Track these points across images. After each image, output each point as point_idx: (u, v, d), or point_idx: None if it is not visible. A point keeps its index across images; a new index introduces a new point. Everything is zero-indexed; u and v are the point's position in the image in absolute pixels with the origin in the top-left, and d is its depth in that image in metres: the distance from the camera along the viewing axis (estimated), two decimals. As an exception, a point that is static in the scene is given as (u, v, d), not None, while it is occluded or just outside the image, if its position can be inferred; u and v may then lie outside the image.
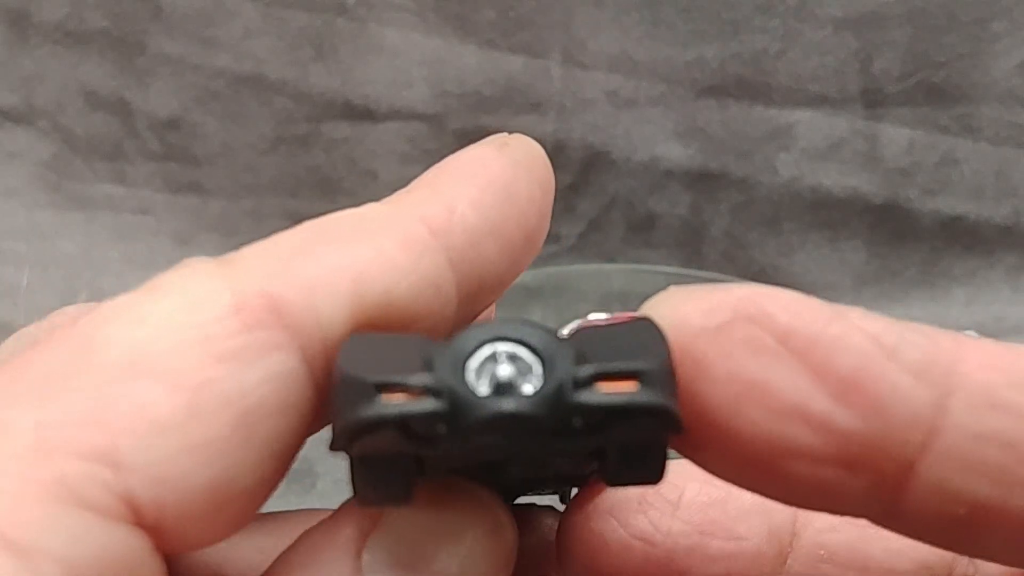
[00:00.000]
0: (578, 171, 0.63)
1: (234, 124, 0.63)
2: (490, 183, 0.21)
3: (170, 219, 0.64)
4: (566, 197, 0.63)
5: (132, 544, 0.17)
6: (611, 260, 0.62)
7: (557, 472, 0.22)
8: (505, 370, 0.18)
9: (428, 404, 0.17)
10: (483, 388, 0.18)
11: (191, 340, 0.18)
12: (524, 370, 0.18)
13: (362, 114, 0.62)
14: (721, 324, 0.18)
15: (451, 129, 0.62)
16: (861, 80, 0.62)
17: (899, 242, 0.64)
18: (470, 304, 0.21)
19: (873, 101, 0.62)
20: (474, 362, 0.18)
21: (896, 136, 0.62)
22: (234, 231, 0.64)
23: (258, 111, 0.63)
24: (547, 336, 0.18)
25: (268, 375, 0.18)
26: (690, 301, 0.18)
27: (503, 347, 0.18)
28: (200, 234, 0.64)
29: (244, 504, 0.18)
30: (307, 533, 0.20)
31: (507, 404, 0.17)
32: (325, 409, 0.19)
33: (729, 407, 0.18)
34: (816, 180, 0.63)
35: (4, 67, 0.64)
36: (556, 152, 0.62)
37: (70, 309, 0.24)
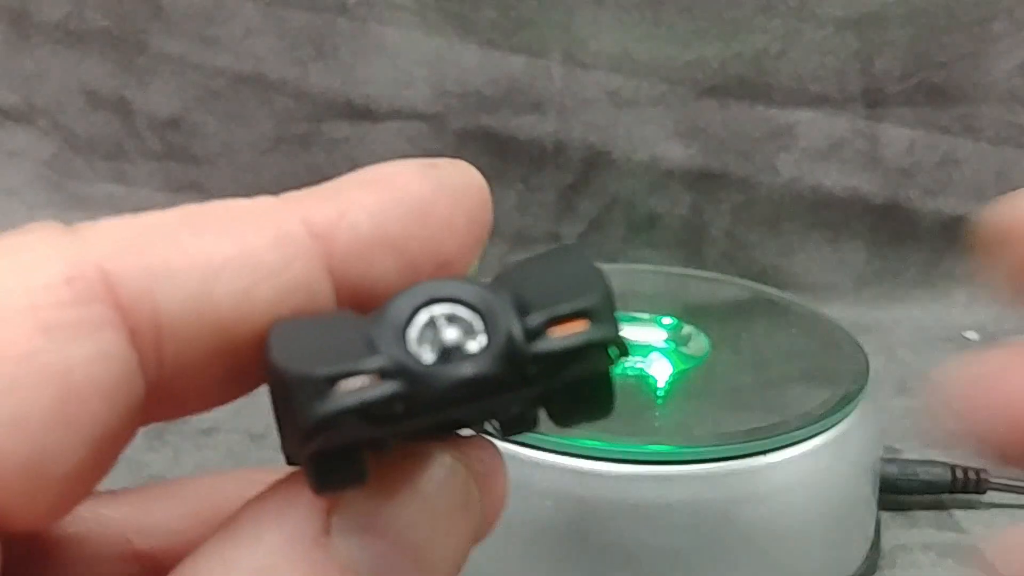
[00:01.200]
0: (579, 171, 0.63)
1: (234, 124, 0.63)
2: (397, 197, 0.20)
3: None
4: (566, 197, 0.63)
5: None
6: (612, 260, 0.62)
7: (497, 415, 0.21)
8: (451, 334, 0.18)
9: (388, 387, 0.17)
10: (428, 356, 0.17)
11: (16, 307, 0.17)
12: (467, 329, 0.18)
13: (362, 114, 0.62)
14: None
15: (452, 129, 0.62)
16: (862, 80, 0.61)
17: (900, 242, 0.64)
18: None
19: (874, 101, 0.62)
20: (413, 331, 0.18)
21: (897, 136, 0.62)
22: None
23: (258, 111, 0.63)
24: (480, 290, 0.18)
25: (96, 353, 0.17)
26: None
27: (439, 309, 0.18)
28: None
29: (63, 489, 0.17)
30: (269, 493, 0.19)
31: (465, 369, 0.17)
32: (154, 400, 0.18)
33: None
34: (817, 180, 0.63)
35: (5, 66, 0.64)
36: (557, 152, 0.62)
37: None
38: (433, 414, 0.18)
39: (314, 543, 0.18)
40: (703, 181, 0.63)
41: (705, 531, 0.37)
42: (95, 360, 0.17)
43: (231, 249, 0.18)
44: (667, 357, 0.43)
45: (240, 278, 0.18)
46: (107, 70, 0.63)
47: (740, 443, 0.37)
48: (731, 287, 0.50)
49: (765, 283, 0.49)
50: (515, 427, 0.20)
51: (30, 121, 0.64)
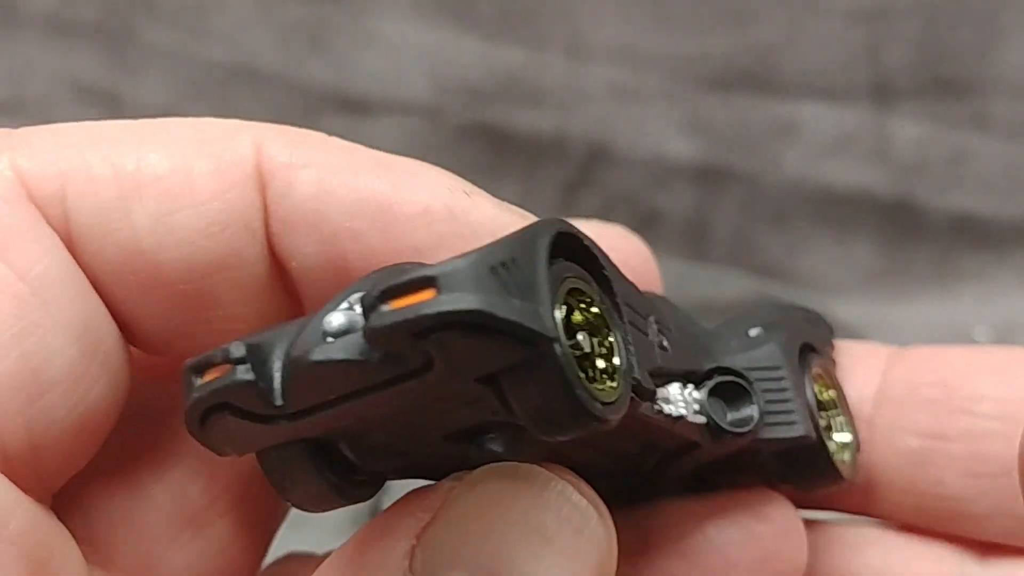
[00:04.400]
0: (580, 166, 0.62)
1: (227, 117, 0.63)
2: (376, 188, 0.17)
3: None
4: (568, 193, 0.63)
5: None
6: None
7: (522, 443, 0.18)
8: (336, 319, 0.15)
9: (237, 375, 0.15)
10: (319, 346, 0.15)
11: None
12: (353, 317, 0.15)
13: (358, 108, 0.62)
14: None
15: (450, 123, 0.61)
16: (870, 74, 0.61)
17: (908, 239, 0.63)
18: (328, 277, 0.17)
19: (882, 95, 0.62)
20: (325, 319, 0.15)
21: (906, 131, 0.62)
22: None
23: (252, 104, 0.62)
24: (382, 273, 0.16)
25: (40, 253, 0.16)
26: None
27: (354, 297, 0.16)
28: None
29: (64, 396, 0.16)
30: (359, 532, 0.17)
31: (301, 354, 0.15)
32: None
33: None
34: (824, 176, 0.63)
35: (-8, 59, 0.64)
36: (558, 147, 0.62)
37: None
38: (307, 414, 0.15)
39: None
40: (708, 176, 0.63)
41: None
42: (41, 259, 0.16)
43: (162, 165, 0.17)
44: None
45: (164, 198, 0.17)
46: (97, 62, 0.63)
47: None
48: (736, 284, 0.50)
49: (771, 281, 0.49)
50: (523, 446, 0.17)
51: (19, 114, 0.64)
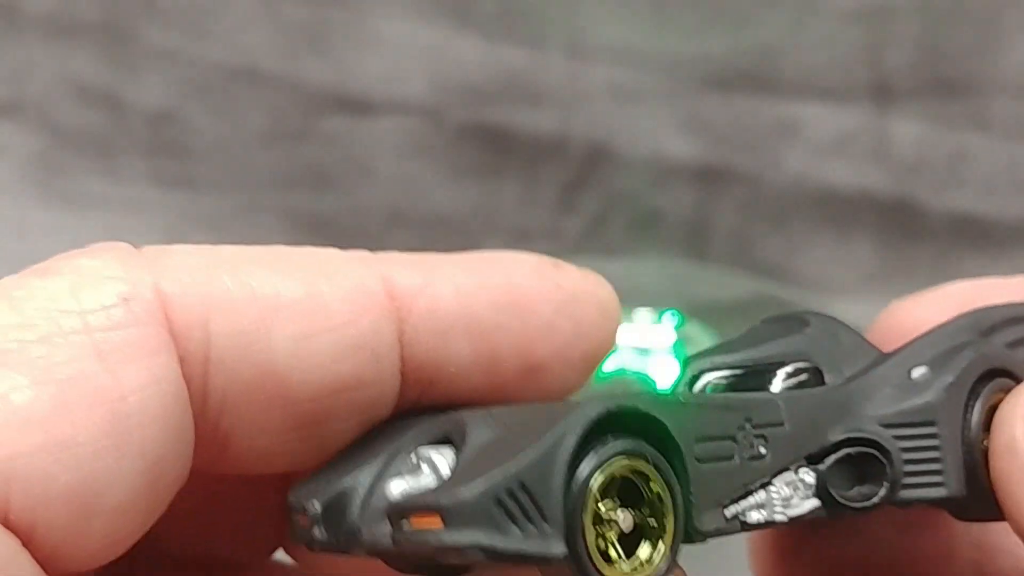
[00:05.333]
0: (580, 166, 0.62)
1: (227, 118, 0.63)
2: (495, 282, 0.19)
3: (162, 215, 0.64)
4: (568, 193, 0.62)
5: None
6: (614, 257, 0.62)
7: None
8: (395, 486, 0.18)
9: (314, 534, 0.18)
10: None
11: (69, 327, 0.16)
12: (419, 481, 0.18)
13: (358, 108, 0.62)
14: None
15: (450, 123, 0.61)
16: (870, 74, 0.61)
17: (909, 240, 0.63)
18: (425, 399, 0.19)
19: (882, 95, 0.62)
20: (392, 488, 0.18)
21: (906, 131, 0.62)
22: (227, 227, 0.63)
23: (252, 105, 0.62)
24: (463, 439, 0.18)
25: (149, 378, 0.16)
26: None
27: (424, 451, 0.18)
28: (192, 230, 0.64)
29: (116, 520, 0.17)
30: None
31: (355, 531, 0.17)
32: (203, 438, 0.18)
33: None
34: (824, 176, 0.62)
35: (-7, 59, 0.64)
36: (558, 147, 0.62)
37: None
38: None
39: None
40: (708, 176, 0.62)
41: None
42: (148, 385, 0.16)
43: (297, 291, 0.18)
44: (671, 355, 0.43)
45: (301, 322, 0.18)
46: (97, 63, 0.63)
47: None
48: (736, 284, 0.50)
49: (770, 280, 0.49)
50: None
51: (19, 115, 0.64)
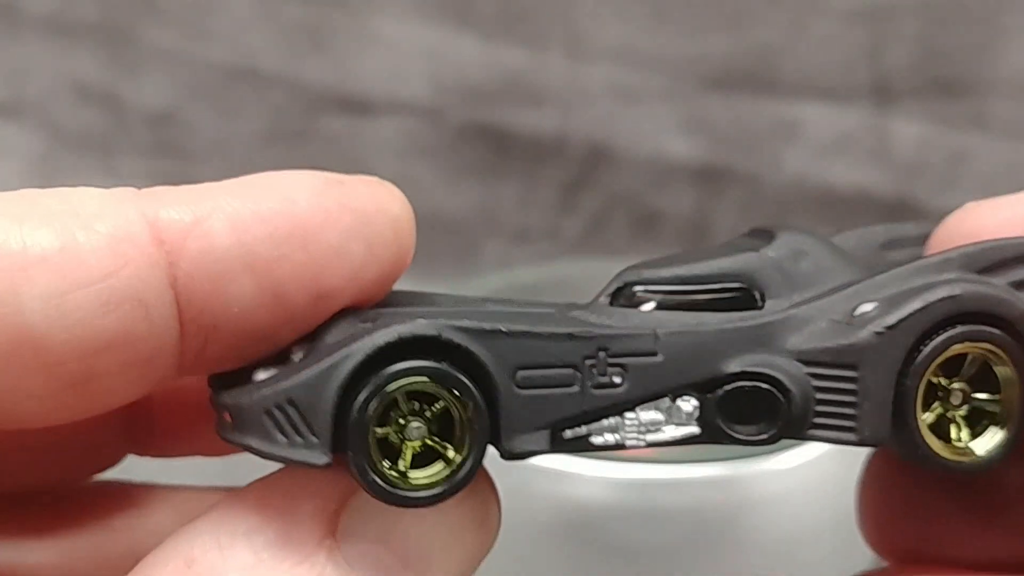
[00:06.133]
0: (580, 166, 0.62)
1: (228, 118, 0.63)
2: (274, 209, 0.18)
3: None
4: (568, 193, 0.62)
5: None
6: (614, 257, 0.62)
7: None
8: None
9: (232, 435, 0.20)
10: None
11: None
12: None
13: (359, 108, 0.62)
14: None
15: (450, 123, 0.61)
16: (870, 74, 0.61)
17: (909, 239, 0.63)
18: (211, 343, 0.18)
19: (882, 95, 0.62)
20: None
21: (906, 131, 0.62)
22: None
23: (252, 105, 0.62)
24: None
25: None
26: None
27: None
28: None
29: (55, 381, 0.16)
30: (272, 483, 0.18)
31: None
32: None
33: None
34: (824, 176, 0.62)
35: (-7, 60, 0.64)
36: (558, 147, 0.62)
37: None
38: None
39: (318, 544, 0.17)
40: (708, 176, 0.63)
41: (709, 536, 0.36)
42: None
43: (48, 243, 0.16)
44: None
45: (53, 279, 0.16)
46: (97, 63, 0.63)
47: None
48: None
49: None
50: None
51: (19, 116, 0.64)
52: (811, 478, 0.38)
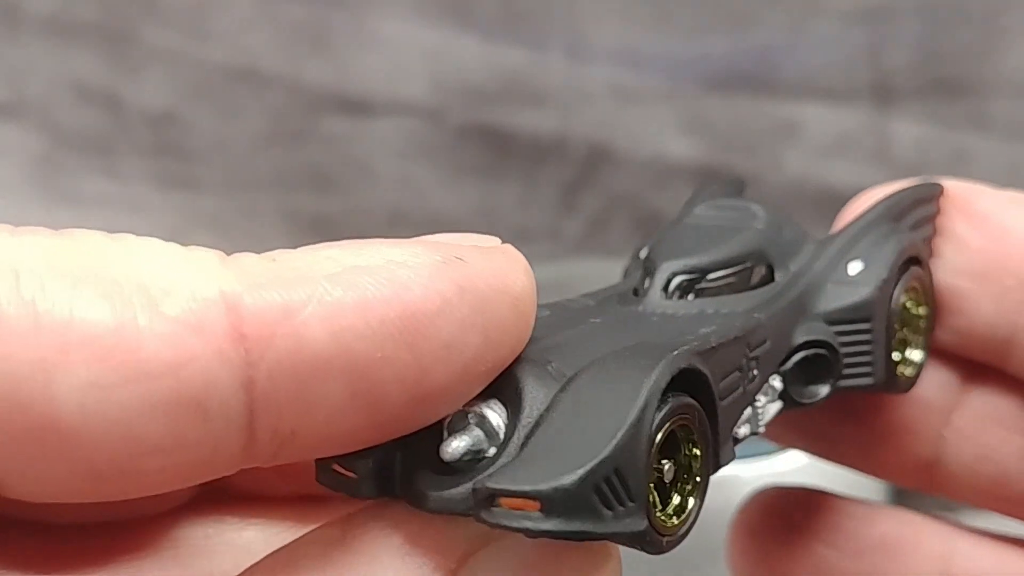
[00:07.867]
0: (581, 167, 0.62)
1: (228, 119, 0.63)
2: (386, 299, 0.14)
3: (162, 216, 0.64)
4: (568, 194, 0.62)
5: None
6: (614, 257, 0.62)
7: None
8: (456, 446, 0.16)
9: (362, 489, 0.17)
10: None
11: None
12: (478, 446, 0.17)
13: (359, 108, 0.62)
14: None
15: (451, 124, 0.61)
16: (871, 75, 0.61)
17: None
18: (284, 448, 0.15)
19: (883, 96, 0.61)
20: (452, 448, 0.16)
21: (906, 132, 0.62)
22: (228, 228, 0.63)
23: (253, 105, 0.62)
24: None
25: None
26: None
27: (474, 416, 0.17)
28: (193, 231, 0.64)
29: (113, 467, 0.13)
30: (392, 524, 0.16)
31: (420, 493, 0.16)
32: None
33: None
34: (824, 176, 0.62)
35: (-7, 60, 0.64)
36: (558, 147, 0.61)
37: None
38: None
39: None
40: (708, 177, 0.62)
41: (709, 536, 0.36)
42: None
43: (100, 319, 0.13)
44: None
45: (98, 367, 0.13)
46: (98, 64, 0.63)
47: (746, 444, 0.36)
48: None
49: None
50: None
51: (19, 116, 0.64)
52: (811, 478, 0.37)
